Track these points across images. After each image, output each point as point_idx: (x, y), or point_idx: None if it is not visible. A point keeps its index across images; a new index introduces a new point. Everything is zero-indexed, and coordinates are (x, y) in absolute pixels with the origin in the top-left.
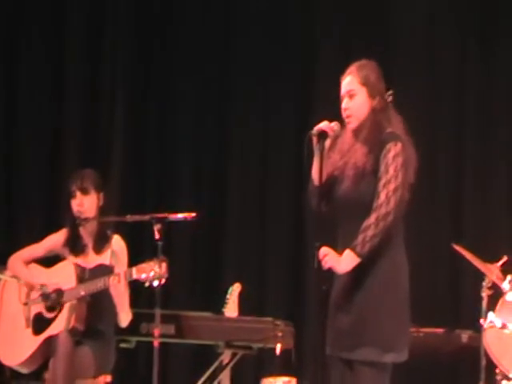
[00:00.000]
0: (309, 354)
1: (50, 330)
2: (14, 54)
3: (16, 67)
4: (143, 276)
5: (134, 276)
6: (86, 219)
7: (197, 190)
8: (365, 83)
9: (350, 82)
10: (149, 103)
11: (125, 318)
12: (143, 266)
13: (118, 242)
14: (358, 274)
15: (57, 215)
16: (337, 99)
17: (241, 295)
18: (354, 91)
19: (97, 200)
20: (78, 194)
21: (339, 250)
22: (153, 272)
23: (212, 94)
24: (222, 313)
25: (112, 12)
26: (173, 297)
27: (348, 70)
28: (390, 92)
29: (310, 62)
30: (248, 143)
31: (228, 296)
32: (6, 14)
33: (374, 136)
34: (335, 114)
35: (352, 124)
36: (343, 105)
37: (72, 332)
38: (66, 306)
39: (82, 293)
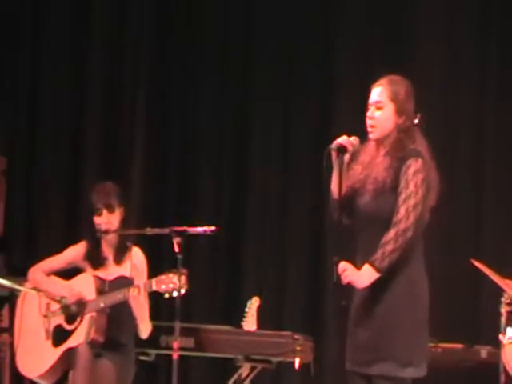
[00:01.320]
0: (328, 369)
1: (70, 342)
2: (36, 58)
3: (37, 71)
4: (163, 287)
5: (154, 288)
6: (107, 231)
7: (216, 203)
8: (394, 99)
9: (379, 93)
10: (169, 115)
11: (145, 329)
12: (163, 277)
13: (137, 254)
14: (377, 289)
15: (76, 227)
16: (357, 114)
17: (260, 309)
18: (382, 104)
19: (119, 214)
20: (105, 212)
21: (357, 263)
22: (172, 284)
23: (232, 106)
24: (240, 326)
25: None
26: (192, 310)
27: (380, 81)
28: (419, 115)
29: (329, 73)
30: (268, 155)
31: (247, 309)
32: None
33: (396, 151)
34: (354, 129)
35: (373, 135)
36: (369, 113)
37: (92, 344)
38: (86, 318)
39: (102, 305)
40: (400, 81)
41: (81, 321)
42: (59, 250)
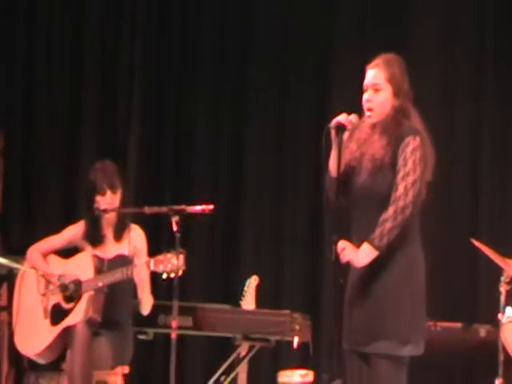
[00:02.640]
0: (326, 348)
1: (68, 321)
2: (32, 49)
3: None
4: (161, 268)
5: (152, 268)
6: (106, 210)
7: (214, 182)
8: (391, 81)
9: (376, 75)
10: (166, 95)
11: (146, 304)
12: (161, 258)
13: (136, 231)
14: (374, 268)
15: (74, 206)
16: (354, 94)
17: (258, 288)
18: (380, 86)
19: (120, 194)
20: (109, 192)
21: (354, 241)
22: (170, 264)
23: (228, 91)
24: (239, 305)
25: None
26: (190, 289)
27: (375, 62)
28: (412, 96)
29: (326, 59)
30: (265, 136)
31: (245, 288)
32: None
33: (392, 129)
34: (352, 107)
35: (372, 118)
36: (366, 96)
37: (89, 323)
38: (84, 297)
39: (100, 284)
40: (395, 60)
41: (79, 299)
42: (57, 228)
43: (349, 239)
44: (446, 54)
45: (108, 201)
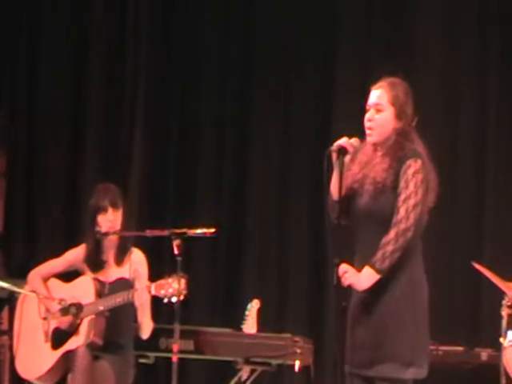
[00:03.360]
0: (328, 371)
1: (69, 345)
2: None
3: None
4: (162, 292)
5: (153, 292)
6: (106, 234)
7: (216, 205)
8: (394, 103)
9: (379, 95)
10: (169, 118)
11: (146, 328)
12: (162, 282)
13: (137, 255)
14: (376, 290)
15: (76, 226)
16: (357, 116)
17: (260, 311)
18: (382, 107)
19: (122, 215)
20: (110, 209)
21: (356, 264)
22: (171, 289)
23: (232, 110)
24: (240, 329)
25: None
26: (192, 312)
27: (380, 83)
28: (416, 118)
29: (329, 74)
30: (267, 158)
31: (247, 312)
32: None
33: (394, 152)
34: (355, 130)
35: (372, 138)
36: (368, 115)
37: (90, 347)
38: (85, 321)
39: (101, 308)
40: (400, 84)
41: (80, 323)
42: (60, 248)
43: (351, 262)
44: (448, 69)
45: (110, 218)
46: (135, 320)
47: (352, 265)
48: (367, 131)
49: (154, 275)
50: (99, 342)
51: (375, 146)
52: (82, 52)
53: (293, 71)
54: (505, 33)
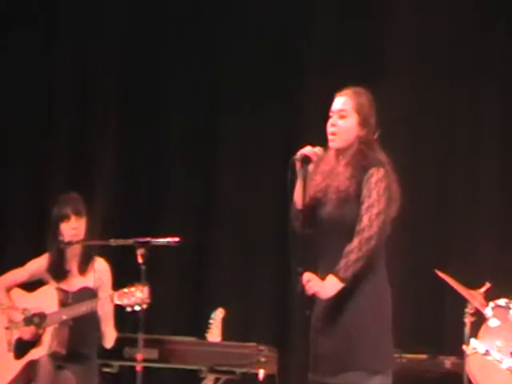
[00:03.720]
0: (292, 380)
1: (32, 355)
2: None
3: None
4: (125, 301)
5: (116, 301)
6: (70, 243)
7: (182, 214)
8: (358, 111)
9: (344, 102)
10: (137, 127)
11: (110, 336)
12: (125, 291)
13: (101, 264)
14: (340, 299)
15: (42, 238)
16: (322, 124)
17: (224, 320)
18: (346, 113)
19: (85, 224)
20: (73, 217)
21: (320, 273)
22: (134, 297)
23: (201, 120)
24: (205, 337)
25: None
26: (157, 321)
27: (344, 91)
28: (378, 132)
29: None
30: (233, 168)
31: (211, 321)
32: None
33: (357, 161)
34: (319, 138)
35: (335, 143)
36: (331, 121)
37: (53, 356)
38: (48, 330)
39: (65, 317)
40: (365, 94)
41: (43, 333)
42: (24, 262)
43: (315, 271)
44: (420, 86)
45: (73, 226)
46: (99, 329)
47: (316, 273)
48: (330, 137)
49: (118, 284)
50: (62, 351)
51: (338, 153)
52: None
53: (259, 82)
54: (477, 45)
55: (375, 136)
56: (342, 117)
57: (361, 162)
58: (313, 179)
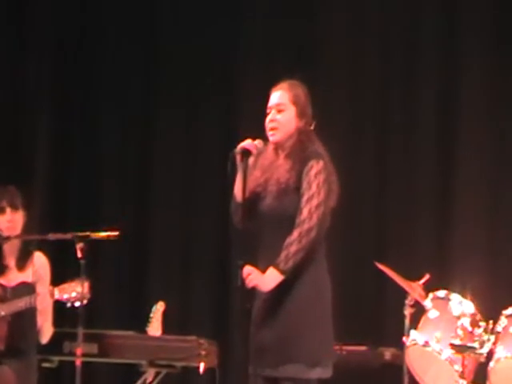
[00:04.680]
0: (233, 373)
1: None
2: None
3: None
4: (65, 297)
5: (56, 297)
6: (8, 238)
7: (121, 208)
8: (295, 102)
9: (280, 96)
10: (72, 120)
11: (47, 332)
12: (65, 286)
13: (40, 259)
14: (281, 291)
15: None
16: (261, 117)
17: (164, 314)
18: (284, 106)
19: (22, 217)
20: (8, 210)
21: (261, 266)
22: (75, 292)
23: (136, 113)
24: (145, 331)
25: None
26: (97, 316)
27: (280, 85)
28: (314, 122)
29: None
30: (172, 160)
31: (152, 314)
32: None
33: (296, 153)
34: (259, 131)
35: (275, 137)
36: (270, 116)
37: None
38: None
39: (3, 313)
40: (299, 85)
41: None
42: None
43: (255, 264)
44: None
45: (8, 218)
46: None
47: (256, 266)
48: (270, 132)
49: (57, 279)
50: (0, 347)
51: (277, 147)
52: None
53: (197, 76)
54: (408, 44)
55: (312, 127)
56: (280, 111)
57: (300, 154)
58: (252, 174)
